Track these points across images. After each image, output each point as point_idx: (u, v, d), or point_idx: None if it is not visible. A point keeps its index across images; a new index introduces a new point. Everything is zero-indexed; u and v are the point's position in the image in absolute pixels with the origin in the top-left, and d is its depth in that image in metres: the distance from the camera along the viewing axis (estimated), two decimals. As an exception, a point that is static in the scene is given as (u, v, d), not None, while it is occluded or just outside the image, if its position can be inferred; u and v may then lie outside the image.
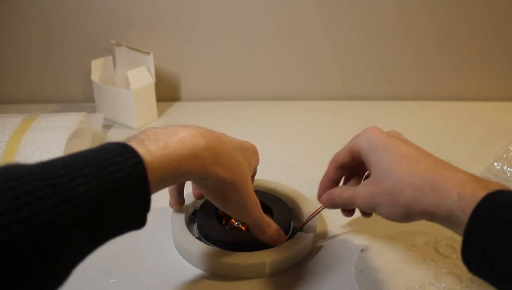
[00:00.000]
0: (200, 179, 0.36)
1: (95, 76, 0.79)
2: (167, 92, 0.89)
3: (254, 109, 0.86)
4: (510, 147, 0.66)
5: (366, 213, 0.45)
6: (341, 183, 0.46)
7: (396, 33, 0.86)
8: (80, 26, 0.84)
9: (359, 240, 0.49)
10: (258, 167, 0.54)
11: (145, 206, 0.31)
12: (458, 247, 0.46)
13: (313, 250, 0.48)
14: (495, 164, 0.64)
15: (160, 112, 0.83)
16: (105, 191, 0.28)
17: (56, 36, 0.84)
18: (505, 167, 0.63)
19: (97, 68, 0.79)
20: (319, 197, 0.46)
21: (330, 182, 0.45)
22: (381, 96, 0.91)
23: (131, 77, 0.74)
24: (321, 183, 0.46)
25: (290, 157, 0.69)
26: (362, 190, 0.40)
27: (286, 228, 0.47)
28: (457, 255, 0.46)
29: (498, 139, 0.71)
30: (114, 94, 0.76)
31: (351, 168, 0.45)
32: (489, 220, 0.30)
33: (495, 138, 0.73)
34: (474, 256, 0.31)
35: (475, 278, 0.42)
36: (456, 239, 0.47)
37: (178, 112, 0.85)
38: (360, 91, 0.91)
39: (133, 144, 0.31)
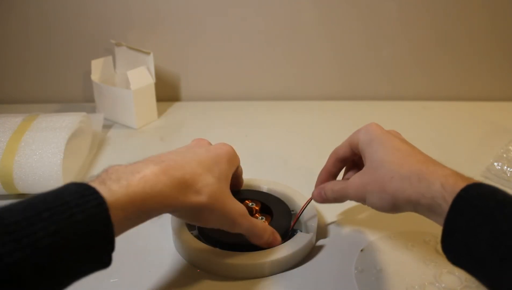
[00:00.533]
0: (170, 212, 0.36)
1: (95, 76, 0.79)
2: (167, 92, 0.89)
3: (254, 109, 0.86)
4: (510, 147, 0.66)
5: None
6: (339, 178, 0.48)
7: (396, 33, 0.86)
8: (80, 26, 0.84)
9: (359, 240, 0.49)
10: (258, 167, 0.54)
11: (110, 246, 0.30)
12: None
13: (313, 250, 0.48)
14: (495, 164, 0.64)
15: (160, 112, 0.83)
16: (66, 235, 0.27)
17: (56, 36, 0.84)
18: (505, 167, 0.63)
19: (97, 68, 0.79)
20: (315, 190, 0.48)
21: (328, 175, 0.48)
22: (381, 96, 0.91)
23: (131, 77, 0.74)
24: (320, 175, 0.48)
25: (290, 157, 0.69)
26: (354, 180, 0.42)
27: (286, 229, 0.47)
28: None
29: (498, 139, 0.71)
30: (114, 94, 0.76)
31: (350, 163, 0.47)
32: (467, 209, 0.32)
33: (495, 138, 0.73)
34: (453, 245, 0.33)
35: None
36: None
37: (178, 112, 0.85)
38: (360, 91, 0.91)
39: (95, 185, 0.31)
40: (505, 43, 0.87)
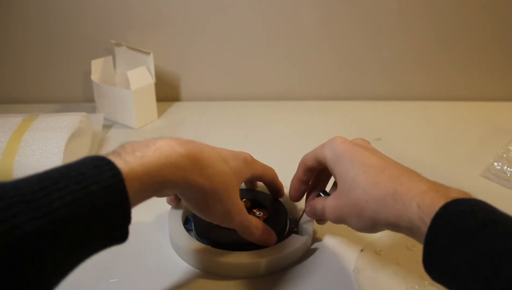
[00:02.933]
0: (180, 189, 0.36)
1: (95, 76, 0.79)
2: (167, 92, 0.89)
3: (254, 109, 0.86)
4: (510, 147, 0.66)
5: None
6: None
7: (396, 33, 0.86)
8: (80, 26, 0.84)
9: (359, 240, 0.49)
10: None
11: (126, 218, 0.30)
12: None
13: (312, 251, 0.48)
14: (495, 164, 0.64)
15: (160, 112, 0.83)
16: (82, 205, 0.27)
17: (56, 36, 0.84)
18: (505, 167, 0.63)
19: (97, 68, 0.79)
20: (290, 196, 0.47)
21: (299, 182, 0.46)
22: (381, 96, 0.91)
23: (131, 77, 0.74)
24: (292, 183, 0.47)
25: (290, 157, 0.68)
26: (330, 203, 0.41)
27: (282, 229, 0.47)
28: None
29: (498, 139, 0.71)
30: (114, 94, 0.76)
31: (319, 171, 0.46)
32: (446, 229, 0.31)
33: (495, 138, 0.73)
34: (434, 265, 0.32)
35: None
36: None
37: (178, 112, 0.85)
38: (360, 91, 0.91)
39: (110, 157, 0.30)
40: (505, 43, 0.87)
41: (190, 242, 0.45)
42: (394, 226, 0.35)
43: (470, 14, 0.84)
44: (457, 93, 0.91)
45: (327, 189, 0.47)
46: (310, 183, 0.47)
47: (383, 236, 0.49)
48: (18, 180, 0.27)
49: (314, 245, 0.48)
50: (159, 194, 0.34)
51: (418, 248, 0.47)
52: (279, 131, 0.78)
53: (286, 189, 0.49)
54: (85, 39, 0.85)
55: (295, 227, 0.48)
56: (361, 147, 0.41)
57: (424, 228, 0.32)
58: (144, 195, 0.32)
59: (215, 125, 0.79)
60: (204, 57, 0.87)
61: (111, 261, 0.45)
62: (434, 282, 0.42)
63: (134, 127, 0.77)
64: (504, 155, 0.65)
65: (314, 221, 0.48)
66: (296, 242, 0.46)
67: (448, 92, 0.91)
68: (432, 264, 0.32)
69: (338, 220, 0.40)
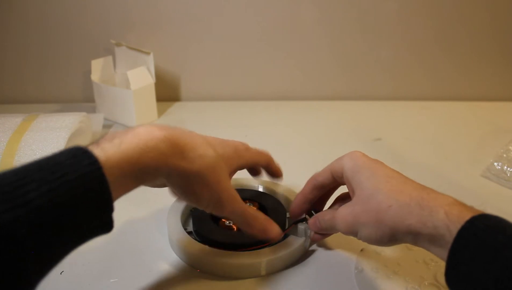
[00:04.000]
0: (164, 175, 0.34)
1: (95, 76, 0.79)
2: (167, 92, 0.89)
3: (254, 109, 0.86)
4: (510, 147, 0.66)
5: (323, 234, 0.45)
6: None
7: (396, 33, 0.86)
8: (80, 26, 0.84)
9: (359, 240, 0.49)
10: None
11: (107, 206, 0.29)
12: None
13: (312, 251, 0.48)
14: (495, 164, 0.64)
15: (160, 112, 0.83)
16: (59, 195, 0.27)
17: (56, 36, 0.84)
18: (505, 167, 0.63)
19: (97, 68, 0.79)
20: (292, 213, 0.46)
21: (303, 200, 0.45)
22: (381, 96, 0.91)
23: (131, 77, 0.74)
24: (295, 200, 0.46)
25: (290, 157, 0.69)
26: (343, 211, 0.39)
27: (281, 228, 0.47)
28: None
29: (498, 139, 0.71)
30: (114, 94, 0.76)
31: (326, 191, 0.45)
32: (473, 243, 0.30)
33: (495, 138, 0.73)
34: (457, 277, 0.31)
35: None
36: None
37: (178, 112, 0.85)
38: (360, 91, 0.91)
39: (89, 146, 0.30)
40: (505, 43, 0.87)
41: (189, 242, 0.45)
42: (415, 234, 0.34)
43: (470, 14, 0.84)
44: (457, 93, 0.91)
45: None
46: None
47: (383, 236, 0.49)
48: None
49: (314, 245, 0.48)
50: (143, 182, 0.33)
51: (418, 248, 0.47)
52: (279, 131, 0.78)
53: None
54: (85, 39, 0.85)
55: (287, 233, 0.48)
56: (381, 162, 0.40)
57: (449, 237, 0.31)
58: (126, 183, 0.31)
59: (215, 125, 0.79)
60: (204, 57, 0.87)
61: (111, 261, 0.45)
62: (434, 282, 0.42)
63: (134, 127, 0.77)
64: (504, 155, 0.65)
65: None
66: (295, 243, 0.46)
67: (448, 92, 0.91)
68: (456, 277, 0.31)
69: (351, 229, 0.38)
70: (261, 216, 0.42)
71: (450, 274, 0.31)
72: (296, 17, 0.84)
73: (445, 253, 0.32)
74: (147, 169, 0.32)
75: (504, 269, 0.28)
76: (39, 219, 0.26)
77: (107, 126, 0.77)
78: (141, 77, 0.76)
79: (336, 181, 0.43)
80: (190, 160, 0.34)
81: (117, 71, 0.83)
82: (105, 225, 0.30)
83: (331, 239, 0.49)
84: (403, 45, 0.87)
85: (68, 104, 0.87)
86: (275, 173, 0.48)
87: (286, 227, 0.49)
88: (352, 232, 0.39)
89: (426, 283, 0.42)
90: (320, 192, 0.45)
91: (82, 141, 0.65)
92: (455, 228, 0.31)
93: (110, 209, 0.30)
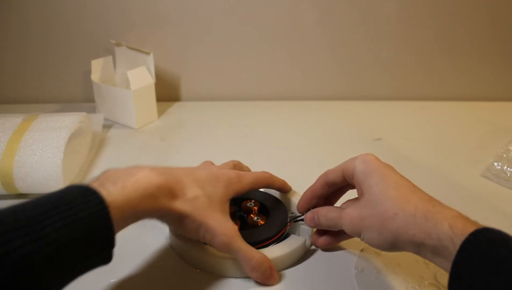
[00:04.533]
0: (160, 217, 0.39)
1: (95, 76, 0.79)
2: (167, 92, 0.89)
3: (254, 109, 0.86)
4: (510, 147, 0.66)
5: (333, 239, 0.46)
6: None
7: (396, 33, 0.86)
8: (80, 26, 0.84)
9: (359, 240, 0.49)
10: (258, 167, 0.53)
11: (110, 242, 0.33)
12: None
13: (313, 251, 0.48)
14: (495, 164, 0.64)
15: (160, 112, 0.83)
16: (71, 230, 0.30)
17: (56, 36, 0.84)
18: (505, 167, 0.63)
19: (97, 68, 0.79)
20: (299, 208, 0.47)
21: (313, 196, 0.46)
22: (381, 96, 0.91)
23: (131, 77, 0.74)
24: (304, 195, 0.47)
25: (290, 157, 0.69)
26: (350, 212, 0.40)
27: (279, 230, 0.47)
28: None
29: (498, 139, 0.71)
30: (114, 94, 0.76)
31: (335, 189, 0.46)
32: (476, 255, 0.31)
33: (495, 138, 0.73)
34: (461, 288, 0.32)
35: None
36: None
37: (178, 112, 0.85)
38: (360, 91, 0.91)
39: (95, 186, 0.34)
40: (505, 43, 0.87)
41: (189, 241, 0.45)
42: (418, 245, 0.35)
43: (470, 14, 0.84)
44: (457, 93, 0.91)
45: None
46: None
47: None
48: (15, 208, 0.30)
49: (314, 246, 0.48)
50: (140, 220, 0.37)
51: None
52: (279, 131, 0.78)
53: (292, 188, 0.49)
54: (85, 39, 0.85)
55: (286, 231, 0.47)
56: (392, 168, 0.41)
57: (453, 249, 0.32)
58: (125, 222, 0.35)
59: (215, 125, 0.79)
60: (204, 57, 0.87)
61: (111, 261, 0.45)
62: (434, 282, 0.42)
63: (134, 127, 0.77)
64: (504, 155, 0.65)
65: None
66: (295, 243, 0.46)
67: (448, 92, 0.91)
68: (459, 288, 0.32)
69: (355, 230, 0.40)
70: (264, 262, 0.42)
71: (453, 285, 0.32)
72: (296, 17, 0.84)
73: (448, 264, 0.33)
74: (145, 212, 0.37)
75: (507, 281, 0.29)
76: (54, 251, 0.29)
77: (107, 126, 0.77)
78: (141, 77, 0.76)
79: (346, 181, 0.43)
80: (182, 203, 0.39)
81: (117, 71, 0.83)
82: (107, 258, 0.34)
83: (331, 239, 0.49)
84: (403, 45, 0.87)
85: (68, 104, 0.87)
86: (281, 189, 0.51)
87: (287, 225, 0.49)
88: (356, 232, 0.40)
89: (426, 283, 0.42)
90: (330, 189, 0.45)
91: (82, 141, 0.65)
92: (458, 241, 0.32)
93: (112, 246, 0.34)
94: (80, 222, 0.31)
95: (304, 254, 0.47)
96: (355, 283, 0.43)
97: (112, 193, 0.34)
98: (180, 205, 0.39)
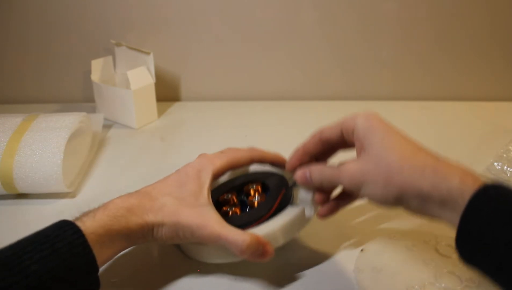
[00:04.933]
0: (135, 232, 0.39)
1: (95, 76, 0.79)
2: (167, 92, 0.89)
3: (254, 109, 0.86)
4: (510, 147, 0.66)
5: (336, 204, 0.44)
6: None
7: (396, 33, 0.85)
8: (80, 26, 0.84)
9: (359, 240, 0.49)
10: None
11: (92, 266, 0.35)
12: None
13: (312, 250, 0.48)
14: (495, 164, 0.63)
15: (160, 112, 0.83)
16: (50, 260, 0.32)
17: (56, 36, 0.84)
18: (505, 167, 0.63)
19: (97, 68, 0.79)
20: (289, 165, 0.44)
21: (304, 152, 0.44)
22: (381, 96, 0.91)
23: (131, 77, 0.74)
24: (296, 152, 0.44)
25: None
26: (351, 166, 0.38)
27: (285, 199, 0.45)
28: (457, 255, 0.46)
29: (498, 139, 0.71)
30: (114, 94, 0.76)
31: (327, 149, 0.44)
32: (487, 208, 0.30)
33: (495, 138, 0.73)
34: (468, 241, 0.31)
35: (475, 278, 0.42)
36: (456, 239, 0.47)
37: (178, 112, 0.85)
38: (360, 91, 0.91)
39: (71, 220, 0.37)
40: (505, 43, 0.86)
41: None
42: (425, 198, 0.34)
43: (470, 14, 0.84)
44: (457, 93, 0.91)
45: None
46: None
47: (383, 236, 0.49)
48: None
49: (314, 246, 0.48)
50: (123, 242, 0.39)
51: (418, 248, 0.47)
52: (279, 131, 0.78)
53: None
54: (85, 39, 0.85)
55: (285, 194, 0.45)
56: (396, 128, 0.39)
57: (462, 203, 0.31)
58: (107, 246, 0.37)
59: (215, 125, 0.79)
60: (204, 57, 0.87)
61: (111, 261, 0.45)
62: (434, 282, 0.42)
63: (134, 127, 0.77)
64: (504, 155, 0.65)
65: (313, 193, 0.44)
66: (290, 213, 0.43)
67: (448, 92, 0.91)
68: (466, 241, 0.31)
69: (356, 185, 0.37)
70: (247, 240, 0.38)
71: (461, 239, 0.32)
72: (296, 17, 0.84)
73: (456, 217, 0.32)
74: (120, 231, 0.38)
75: None
76: (35, 282, 0.31)
77: (107, 126, 0.77)
78: (141, 77, 0.76)
79: (343, 138, 0.41)
80: (153, 214, 0.40)
81: (117, 71, 0.83)
82: (93, 283, 0.36)
83: (331, 239, 0.49)
84: (403, 45, 0.87)
85: (68, 104, 0.87)
86: (274, 163, 0.49)
87: (292, 194, 0.47)
88: (356, 188, 0.38)
89: (426, 283, 0.42)
90: (323, 148, 0.43)
91: (82, 141, 0.65)
92: (469, 193, 0.31)
93: (95, 269, 0.36)
94: (59, 251, 0.33)
95: (305, 227, 0.44)
96: (355, 283, 0.43)
97: (85, 222, 0.36)
98: (151, 216, 0.40)
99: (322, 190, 0.43)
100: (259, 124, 0.80)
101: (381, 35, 0.86)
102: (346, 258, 0.46)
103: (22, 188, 0.55)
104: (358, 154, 0.40)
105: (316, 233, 0.50)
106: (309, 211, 0.45)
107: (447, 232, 0.48)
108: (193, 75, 0.89)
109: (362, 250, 0.47)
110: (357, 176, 0.37)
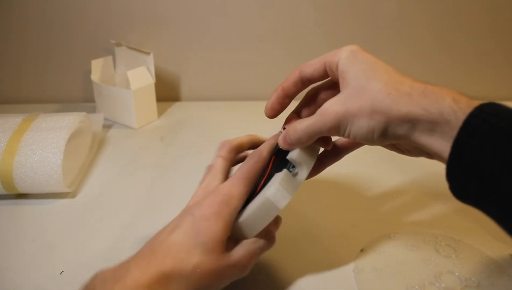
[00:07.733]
0: None
1: (95, 76, 0.79)
2: (167, 92, 0.89)
3: (254, 109, 0.86)
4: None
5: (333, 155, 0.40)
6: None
7: (396, 33, 0.85)
8: (80, 26, 0.84)
9: (359, 240, 0.49)
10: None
11: None
12: (459, 247, 0.46)
13: (312, 250, 0.48)
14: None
15: (160, 112, 0.83)
16: None
17: (56, 36, 0.84)
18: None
19: (97, 68, 0.79)
20: (268, 110, 0.41)
21: (284, 95, 0.39)
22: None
23: (131, 77, 0.74)
24: (274, 92, 0.40)
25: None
26: (333, 105, 0.34)
27: (279, 165, 0.41)
28: (457, 255, 0.46)
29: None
30: (114, 94, 0.76)
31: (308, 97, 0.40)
32: (483, 129, 0.28)
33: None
34: (461, 168, 0.29)
35: (475, 278, 0.42)
36: (456, 239, 0.47)
37: (178, 112, 0.85)
38: (360, 91, 0.91)
39: None
40: (505, 43, 0.86)
41: None
42: (414, 122, 0.31)
43: (470, 13, 0.84)
44: (457, 93, 0.91)
45: None
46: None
47: (383, 236, 0.49)
48: None
49: (314, 245, 0.48)
50: None
51: (418, 248, 0.47)
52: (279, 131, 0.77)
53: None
54: (85, 39, 0.85)
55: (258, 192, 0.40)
56: (382, 61, 0.35)
57: (455, 123, 0.29)
58: None
59: (215, 125, 0.79)
60: (204, 57, 0.87)
61: (111, 261, 0.45)
62: (434, 282, 0.42)
63: (134, 127, 0.77)
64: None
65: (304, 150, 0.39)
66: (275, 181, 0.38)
67: (448, 92, 0.91)
68: (458, 167, 0.29)
69: (340, 122, 0.34)
70: (257, 244, 0.38)
71: (452, 165, 0.29)
72: (296, 17, 0.84)
73: (446, 144, 0.30)
74: None
75: None
76: None
77: (107, 126, 0.77)
78: (141, 77, 0.76)
79: (326, 75, 0.37)
80: (184, 280, 0.34)
81: (117, 71, 0.83)
82: None
83: (331, 239, 0.49)
84: (403, 45, 0.87)
85: (68, 104, 0.87)
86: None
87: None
88: (341, 126, 0.34)
89: (426, 283, 0.42)
90: (304, 87, 0.39)
91: (82, 141, 0.65)
92: (463, 114, 0.29)
93: None
94: None
95: (298, 191, 0.39)
96: (355, 283, 0.43)
97: None
98: (186, 283, 0.34)
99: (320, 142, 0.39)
100: (259, 124, 0.80)
101: (381, 35, 0.86)
102: (346, 258, 0.46)
103: (22, 188, 0.55)
104: (342, 89, 0.35)
105: (316, 233, 0.50)
106: (303, 173, 0.40)
107: (447, 232, 0.48)
108: (193, 75, 0.89)
109: (362, 250, 0.47)
110: (340, 112, 0.33)
